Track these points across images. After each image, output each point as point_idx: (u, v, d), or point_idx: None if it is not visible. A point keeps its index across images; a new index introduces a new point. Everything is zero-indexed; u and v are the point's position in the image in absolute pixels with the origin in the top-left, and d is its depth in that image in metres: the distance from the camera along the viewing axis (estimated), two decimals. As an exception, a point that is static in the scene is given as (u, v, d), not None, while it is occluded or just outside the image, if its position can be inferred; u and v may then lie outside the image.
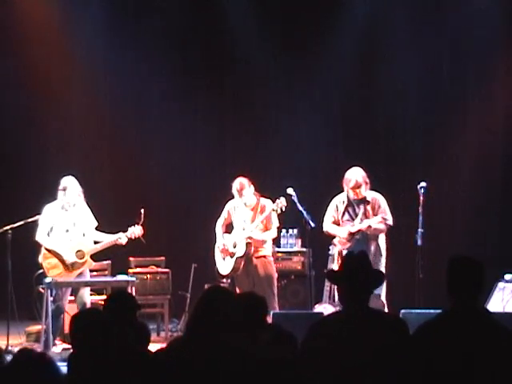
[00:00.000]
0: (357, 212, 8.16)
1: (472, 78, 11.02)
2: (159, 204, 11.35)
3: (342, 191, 8.35)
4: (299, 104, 11.26)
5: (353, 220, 8.19)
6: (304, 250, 9.73)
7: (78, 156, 11.09)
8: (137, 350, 4.27)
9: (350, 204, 8.24)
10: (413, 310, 7.77)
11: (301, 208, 8.51)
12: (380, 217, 8.08)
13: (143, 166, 11.37)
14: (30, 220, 8.48)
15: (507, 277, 8.58)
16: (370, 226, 8.05)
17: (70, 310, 8.46)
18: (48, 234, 8.41)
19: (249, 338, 4.01)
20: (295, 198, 8.54)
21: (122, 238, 8.45)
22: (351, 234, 8.16)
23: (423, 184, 8.19)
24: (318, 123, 11.18)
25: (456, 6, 10.83)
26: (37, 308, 8.53)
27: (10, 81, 11.09)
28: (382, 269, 8.09)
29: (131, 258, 9.96)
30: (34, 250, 9.25)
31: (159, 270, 9.87)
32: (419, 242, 8.13)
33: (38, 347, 8.21)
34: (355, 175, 8.17)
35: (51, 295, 8.25)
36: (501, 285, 8.54)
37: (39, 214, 8.48)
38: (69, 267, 8.36)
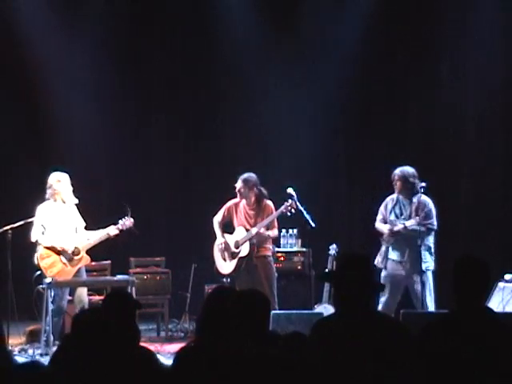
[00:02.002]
0: (403, 212, 8.14)
1: (472, 80, 11.04)
2: (159, 204, 11.36)
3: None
4: (299, 104, 11.25)
5: (398, 219, 8.19)
6: (304, 249, 9.72)
7: (77, 156, 11.10)
8: (137, 349, 4.27)
9: (398, 203, 8.23)
10: (413, 310, 7.79)
11: (301, 208, 8.51)
12: (416, 219, 8.06)
13: (143, 166, 11.37)
14: (29, 220, 8.48)
15: (507, 277, 8.57)
16: (405, 228, 8.03)
17: (71, 310, 8.46)
18: (42, 233, 8.41)
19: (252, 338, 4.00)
20: (295, 198, 8.54)
21: (112, 231, 8.46)
22: (391, 233, 8.15)
23: (423, 184, 8.19)
24: (318, 123, 11.18)
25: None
26: (37, 308, 8.52)
27: (10, 80, 11.12)
28: (428, 272, 8.07)
29: (131, 258, 9.96)
30: (34, 250, 9.26)
31: (159, 269, 9.87)
32: (419, 242, 8.13)
33: (38, 347, 8.23)
34: (395, 171, 8.17)
35: (51, 295, 8.25)
36: (501, 285, 8.53)
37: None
38: (67, 264, 8.37)
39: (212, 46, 11.33)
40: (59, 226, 8.44)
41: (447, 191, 10.69)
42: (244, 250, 8.59)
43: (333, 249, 9.00)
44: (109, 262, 9.49)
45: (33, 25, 10.96)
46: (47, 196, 8.51)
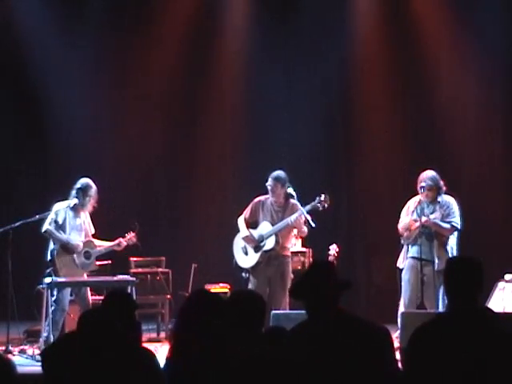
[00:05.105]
0: (425, 212, 8.08)
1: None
2: (159, 204, 11.36)
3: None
4: (299, 104, 11.26)
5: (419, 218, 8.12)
6: (304, 250, 9.72)
7: (76, 156, 11.12)
8: (137, 348, 4.28)
9: (421, 204, 8.16)
10: (413, 310, 7.79)
11: (301, 208, 8.51)
12: (440, 211, 8.04)
13: (143, 166, 11.37)
14: (29, 220, 8.50)
15: (507, 277, 8.58)
16: (428, 220, 7.98)
17: (71, 310, 8.47)
18: (56, 230, 8.45)
19: (246, 338, 4.01)
20: (295, 198, 8.55)
21: (121, 244, 8.65)
22: (411, 230, 8.09)
23: (423, 184, 8.17)
24: (318, 123, 11.18)
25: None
26: (37, 308, 8.53)
27: (10, 80, 11.15)
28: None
29: (131, 258, 9.96)
30: (34, 249, 9.26)
31: (159, 270, 9.87)
32: (419, 242, 8.11)
33: (38, 347, 8.22)
34: (423, 177, 8.12)
35: (52, 295, 8.27)
36: (501, 285, 8.54)
37: (38, 213, 8.50)
38: (78, 266, 8.43)
39: (213, 47, 11.35)
40: (71, 231, 8.50)
41: (447, 191, 10.69)
42: (269, 244, 8.59)
43: (333, 249, 8.99)
44: (109, 261, 9.50)
45: (31, 25, 10.98)
46: (70, 197, 8.54)
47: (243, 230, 8.75)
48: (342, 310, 3.87)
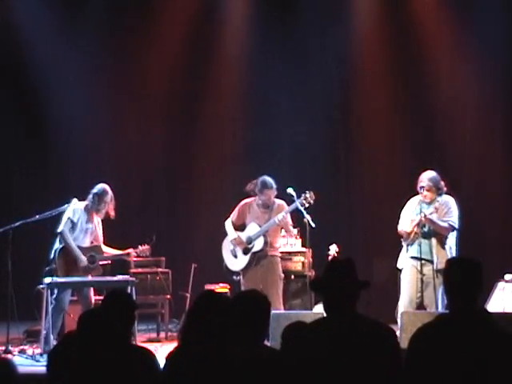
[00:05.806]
0: (423, 211, 8.06)
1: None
2: (159, 204, 11.36)
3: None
4: (299, 104, 11.25)
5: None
6: (304, 250, 9.72)
7: (76, 156, 11.12)
8: (137, 348, 4.28)
9: (420, 204, 8.13)
10: (413, 311, 7.78)
11: (301, 208, 8.51)
12: (436, 206, 8.04)
13: (143, 166, 11.37)
14: (29, 220, 8.50)
15: (507, 277, 8.58)
16: (425, 216, 7.93)
17: (71, 310, 8.47)
18: (70, 230, 8.48)
19: (249, 339, 4.01)
20: (295, 198, 8.55)
21: (131, 254, 8.70)
22: (409, 233, 8.07)
23: (422, 184, 8.16)
24: (318, 123, 11.18)
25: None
26: (37, 308, 8.53)
27: (9, 80, 11.15)
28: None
29: (131, 258, 9.96)
30: (34, 249, 9.26)
31: (159, 270, 9.87)
32: (418, 241, 8.10)
33: (38, 347, 8.22)
34: (423, 178, 8.10)
35: (51, 295, 8.27)
36: (501, 285, 8.54)
37: (39, 214, 8.50)
38: (80, 271, 8.44)
39: (212, 47, 11.35)
40: (82, 232, 8.53)
41: (447, 191, 10.69)
42: (257, 245, 8.61)
43: (333, 249, 8.99)
44: (108, 262, 9.49)
45: (31, 25, 10.98)
46: (87, 201, 8.57)
47: (231, 233, 8.76)
48: (355, 310, 3.87)
